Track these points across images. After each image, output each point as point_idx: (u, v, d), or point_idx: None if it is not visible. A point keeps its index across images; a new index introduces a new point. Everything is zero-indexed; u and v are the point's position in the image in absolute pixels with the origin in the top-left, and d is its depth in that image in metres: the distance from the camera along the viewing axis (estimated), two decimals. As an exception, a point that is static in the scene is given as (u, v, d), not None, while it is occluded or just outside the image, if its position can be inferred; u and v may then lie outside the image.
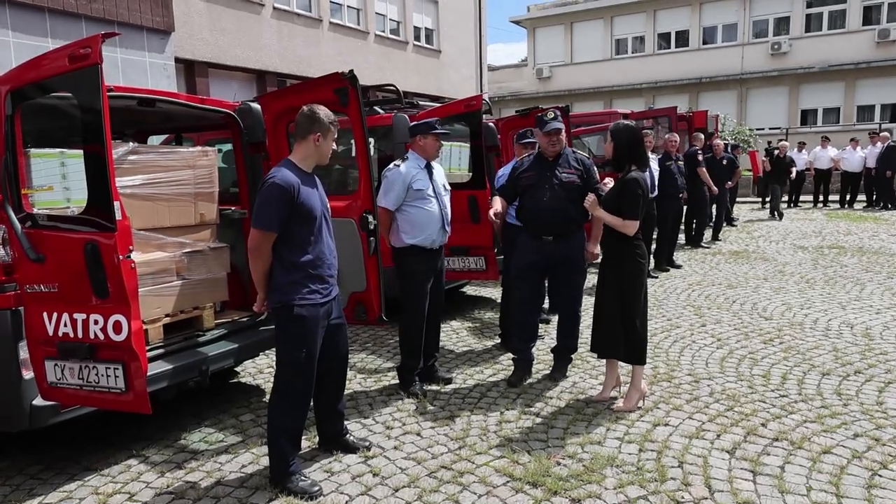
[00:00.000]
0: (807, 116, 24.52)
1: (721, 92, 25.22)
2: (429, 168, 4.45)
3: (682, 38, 26.56)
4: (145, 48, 10.85)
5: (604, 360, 4.34)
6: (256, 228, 3.07)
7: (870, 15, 23.29)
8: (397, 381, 4.61)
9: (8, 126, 2.99)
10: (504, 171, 5.35)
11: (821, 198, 16.82)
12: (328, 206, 3.38)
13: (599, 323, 4.12)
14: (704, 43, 26.07)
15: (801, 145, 17.04)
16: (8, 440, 3.61)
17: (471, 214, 5.50)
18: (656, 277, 8.19)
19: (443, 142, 4.68)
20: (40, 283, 3.00)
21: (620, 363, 4.20)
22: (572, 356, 4.80)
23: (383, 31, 19.51)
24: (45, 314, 3.00)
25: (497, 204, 4.54)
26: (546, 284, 4.96)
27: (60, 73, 2.86)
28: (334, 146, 3.36)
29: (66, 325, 2.95)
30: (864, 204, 16.22)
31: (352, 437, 3.65)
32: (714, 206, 11.02)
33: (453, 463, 3.40)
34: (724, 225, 12.36)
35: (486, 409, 4.14)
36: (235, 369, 5.02)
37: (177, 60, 12.04)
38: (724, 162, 11.27)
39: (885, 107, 22.95)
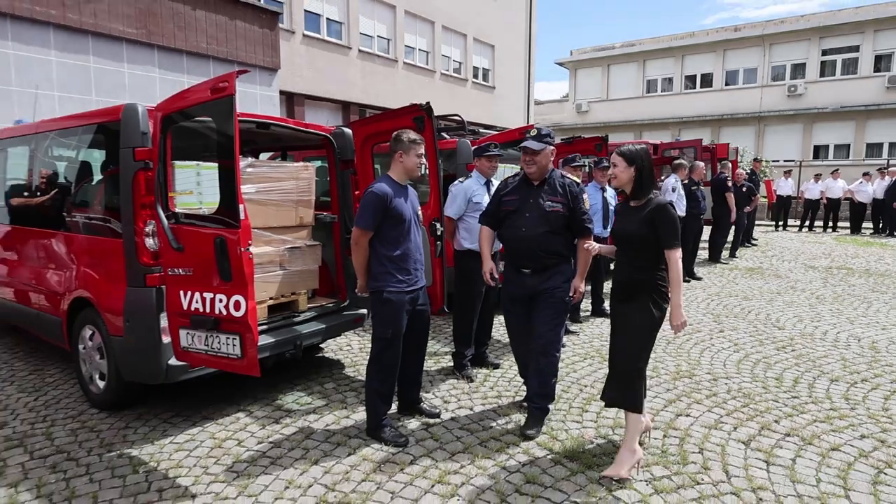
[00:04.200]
0: (819, 151, 23.40)
1: (740, 127, 24.36)
2: (488, 185, 4.48)
3: (707, 80, 25.77)
4: (257, 82, 11.28)
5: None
6: (357, 227, 3.26)
7: (880, 63, 22.20)
8: (452, 364, 4.63)
9: (161, 144, 3.15)
10: None
11: (830, 224, 16.19)
12: (419, 212, 3.53)
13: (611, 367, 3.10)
14: (727, 84, 25.23)
15: (818, 177, 16.37)
16: (148, 391, 3.86)
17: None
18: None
19: (499, 163, 4.68)
20: (179, 267, 3.12)
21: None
22: (549, 408, 3.57)
23: (447, 70, 19.64)
24: (181, 292, 3.11)
25: (486, 255, 3.66)
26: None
27: (202, 102, 2.99)
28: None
29: (197, 302, 3.06)
30: (871, 231, 15.45)
31: (426, 405, 3.74)
32: (733, 228, 10.73)
33: (501, 436, 3.42)
34: (744, 244, 11.96)
35: (529, 391, 4.14)
36: (321, 346, 5.15)
37: (280, 92, 12.43)
38: (744, 189, 10.96)
39: (892, 144, 21.75)
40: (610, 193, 6.26)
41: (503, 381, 4.34)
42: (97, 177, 4.19)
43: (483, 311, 4.56)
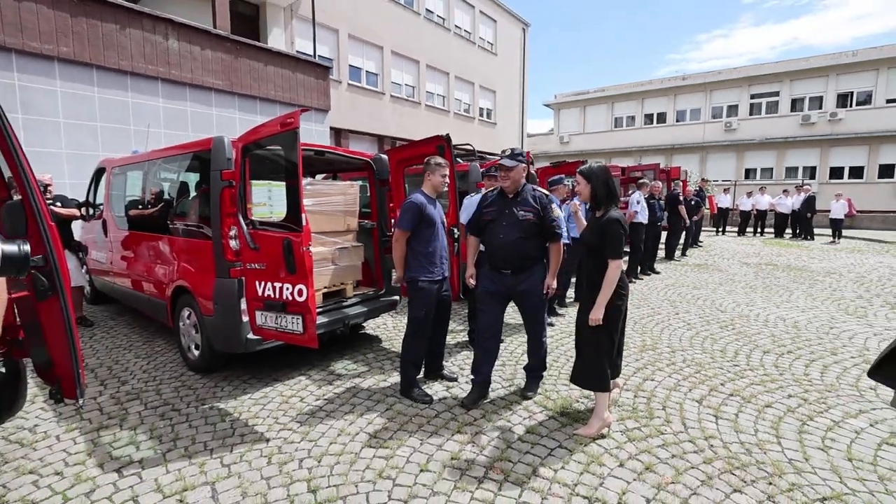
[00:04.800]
0: (749, 173, 22.90)
1: (688, 154, 23.85)
2: None
3: (661, 117, 25.24)
4: (312, 121, 11.27)
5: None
6: (399, 228, 3.23)
7: (795, 105, 21.79)
8: (467, 339, 4.56)
9: (241, 167, 3.14)
10: None
11: (759, 230, 15.92)
12: (444, 219, 3.50)
13: (578, 353, 2.88)
14: (677, 120, 24.73)
15: (749, 194, 16.14)
16: (231, 359, 3.85)
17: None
18: (642, 279, 7.85)
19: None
20: (255, 262, 3.10)
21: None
22: (542, 374, 3.48)
23: (459, 111, 19.48)
24: (256, 282, 3.10)
25: (470, 262, 3.34)
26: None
27: (273, 135, 2.96)
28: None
29: (269, 290, 3.04)
30: (791, 235, 15.11)
31: (446, 371, 3.68)
32: (684, 233, 10.55)
33: (506, 395, 3.36)
34: (693, 245, 11.74)
35: (527, 362, 4.04)
36: (363, 324, 5.12)
37: (330, 128, 12.42)
38: (693, 202, 10.76)
39: (805, 168, 21.35)
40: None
41: (506, 353, 4.26)
42: (193, 193, 4.19)
43: None
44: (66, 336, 2.00)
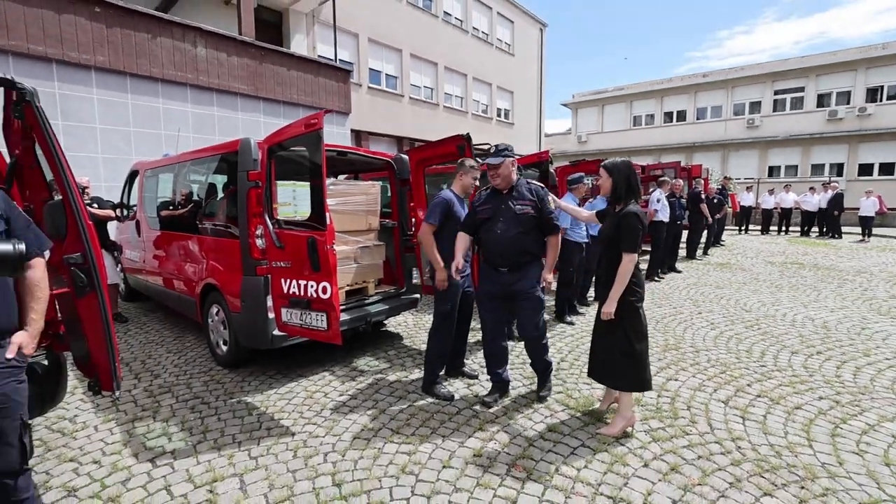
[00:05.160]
0: (773, 171, 22.16)
1: (709, 152, 23.23)
2: None
3: (681, 115, 24.62)
4: (334, 123, 11.39)
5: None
6: (426, 222, 3.21)
7: (822, 100, 20.97)
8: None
9: (267, 168, 3.18)
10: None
11: (783, 228, 15.41)
12: None
13: (594, 348, 2.84)
14: (698, 118, 24.13)
15: (772, 191, 15.62)
16: (258, 354, 3.89)
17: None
18: (663, 278, 7.67)
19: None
20: (280, 261, 3.14)
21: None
22: (551, 371, 3.27)
23: (477, 112, 19.40)
24: (282, 280, 3.13)
25: (458, 255, 3.05)
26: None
27: (297, 136, 2.98)
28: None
29: (294, 287, 3.06)
30: (817, 233, 14.57)
31: (467, 369, 3.66)
32: (705, 232, 10.28)
33: (527, 393, 3.31)
34: (715, 244, 11.44)
35: (546, 358, 4.00)
36: (385, 322, 5.13)
37: (351, 130, 12.52)
38: (715, 200, 10.45)
39: (832, 165, 20.53)
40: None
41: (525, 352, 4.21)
42: (221, 194, 4.27)
43: None
44: (103, 331, 2.05)
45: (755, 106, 22.65)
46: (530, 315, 3.04)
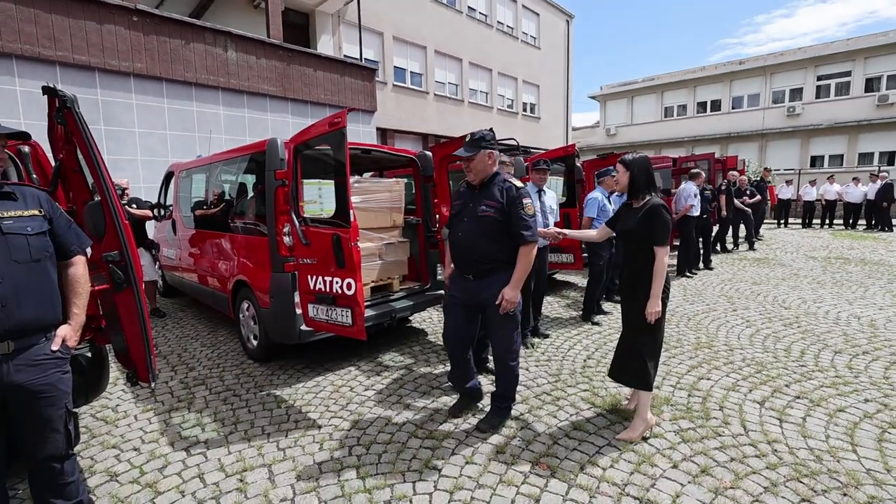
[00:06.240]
0: (815, 161, 21.02)
1: (745, 143, 22.26)
2: (540, 193, 4.30)
3: (716, 105, 23.68)
4: (360, 122, 11.53)
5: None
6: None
7: (871, 84, 19.71)
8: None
9: (293, 167, 3.24)
10: (591, 195, 4.91)
11: (827, 221, 14.62)
12: None
13: (623, 349, 2.71)
14: (733, 108, 23.17)
15: (813, 182, 14.84)
16: (286, 349, 3.99)
17: (565, 224, 5.24)
18: (695, 273, 7.42)
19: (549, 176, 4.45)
20: (307, 257, 3.19)
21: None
22: (510, 406, 2.82)
23: (502, 106, 19.24)
24: (309, 276, 3.18)
25: (448, 267, 2.85)
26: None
27: (322, 135, 3.02)
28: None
29: (320, 283, 3.11)
30: (864, 226, 13.76)
31: (491, 364, 3.63)
32: (742, 225, 9.86)
33: (552, 391, 3.27)
34: (756, 238, 10.95)
35: (574, 358, 3.92)
36: (409, 318, 5.16)
37: (376, 128, 12.63)
38: (748, 192, 9.97)
39: (882, 154, 19.27)
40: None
41: (552, 349, 4.17)
42: (250, 193, 4.38)
43: (536, 294, 4.36)
44: (139, 325, 2.15)
45: (796, 93, 21.56)
46: (498, 329, 2.65)
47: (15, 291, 1.61)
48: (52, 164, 2.43)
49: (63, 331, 1.77)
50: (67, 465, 1.80)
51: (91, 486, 2.30)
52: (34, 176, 2.66)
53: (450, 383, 2.96)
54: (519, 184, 2.60)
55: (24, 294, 1.64)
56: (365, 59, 12.91)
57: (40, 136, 2.50)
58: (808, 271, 7.50)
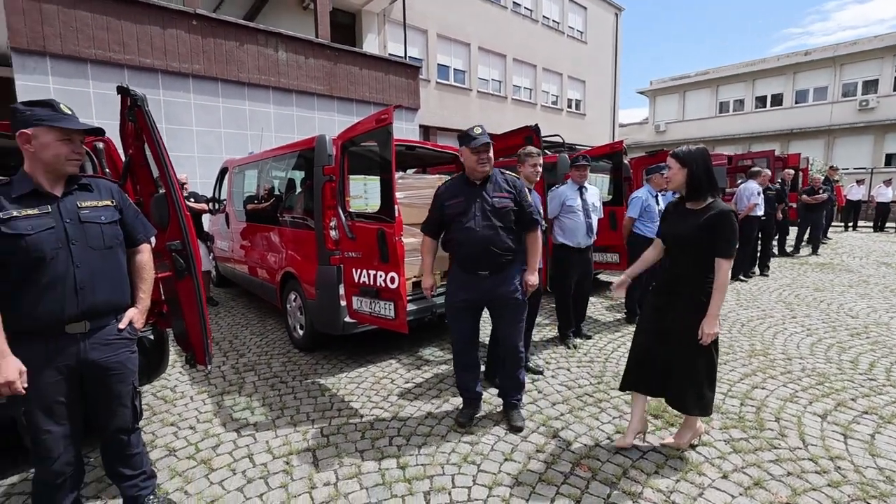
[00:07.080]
0: (890, 159, 19.27)
1: (809, 140, 20.71)
2: (581, 190, 4.21)
3: (777, 99, 22.16)
4: (403, 119, 11.66)
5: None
6: None
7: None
8: (556, 335, 4.41)
9: (341, 163, 3.32)
10: (635, 194, 4.73)
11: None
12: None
13: (677, 371, 2.30)
14: (796, 102, 21.59)
15: (888, 182, 13.59)
16: (331, 340, 4.09)
17: (610, 223, 5.11)
18: (751, 277, 7.00)
19: (590, 173, 4.34)
20: (352, 251, 3.26)
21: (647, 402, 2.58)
22: (521, 398, 2.82)
23: (546, 103, 18.90)
24: (353, 270, 3.25)
25: (429, 279, 2.83)
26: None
27: (369, 131, 3.06)
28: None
29: (364, 277, 3.18)
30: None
31: (531, 364, 3.60)
32: (809, 228, 9.21)
33: (594, 392, 3.21)
34: (822, 241, 10.19)
35: (618, 360, 3.81)
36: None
37: (419, 126, 12.75)
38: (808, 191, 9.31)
39: (975, 151, 17.40)
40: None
41: (594, 350, 4.08)
42: (299, 188, 4.54)
43: (579, 295, 4.27)
44: (197, 311, 2.28)
45: (870, 85, 19.84)
46: (512, 323, 2.65)
47: (91, 276, 1.75)
48: (123, 158, 2.62)
49: (131, 313, 1.91)
50: (133, 437, 1.95)
51: (153, 459, 2.47)
52: (107, 170, 2.89)
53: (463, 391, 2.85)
54: (513, 174, 2.76)
55: (99, 278, 1.78)
56: (409, 56, 13.05)
57: (111, 134, 2.70)
58: (879, 278, 6.90)
